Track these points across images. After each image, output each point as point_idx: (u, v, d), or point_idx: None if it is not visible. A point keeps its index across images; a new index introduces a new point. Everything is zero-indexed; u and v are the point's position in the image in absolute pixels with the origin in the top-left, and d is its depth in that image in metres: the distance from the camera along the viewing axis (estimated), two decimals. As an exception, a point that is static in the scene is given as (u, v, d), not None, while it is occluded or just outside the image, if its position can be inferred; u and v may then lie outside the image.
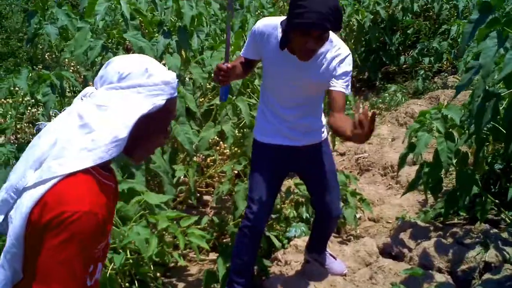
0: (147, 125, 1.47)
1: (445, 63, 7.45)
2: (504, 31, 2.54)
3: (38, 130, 1.51)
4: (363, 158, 5.48)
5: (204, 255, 3.85)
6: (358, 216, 4.30)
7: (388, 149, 5.44)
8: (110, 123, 1.39)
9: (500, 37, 2.55)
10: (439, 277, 3.16)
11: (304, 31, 2.39)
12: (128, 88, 1.42)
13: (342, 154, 5.80)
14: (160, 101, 1.46)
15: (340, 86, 2.66)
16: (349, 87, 2.70)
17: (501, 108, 3.03)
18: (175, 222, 3.04)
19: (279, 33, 2.66)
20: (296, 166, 3.05)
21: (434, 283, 3.00)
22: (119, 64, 1.45)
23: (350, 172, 5.08)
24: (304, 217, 3.99)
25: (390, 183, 4.92)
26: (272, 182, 2.95)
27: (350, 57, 2.68)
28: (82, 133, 1.38)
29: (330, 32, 2.51)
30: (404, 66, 7.98)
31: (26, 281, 1.37)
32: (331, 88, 2.66)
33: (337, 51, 2.64)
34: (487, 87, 2.70)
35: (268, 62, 2.77)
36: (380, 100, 7.02)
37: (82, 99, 1.46)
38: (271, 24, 2.70)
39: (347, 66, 2.66)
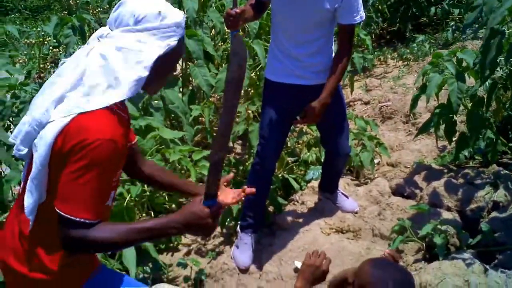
0: (162, 64, 1.59)
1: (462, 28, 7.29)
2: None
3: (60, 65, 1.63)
4: (386, 106, 5.49)
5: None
6: (376, 161, 4.36)
7: (412, 96, 5.43)
8: (132, 64, 1.52)
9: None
10: (447, 215, 3.24)
11: None
12: (144, 31, 1.54)
13: (367, 103, 5.81)
14: (173, 42, 1.58)
15: (346, 17, 2.75)
16: (358, 15, 2.78)
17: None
18: (188, 157, 3.16)
19: None
20: (307, 105, 3.12)
21: (439, 220, 3.06)
22: (133, 7, 1.55)
23: (373, 120, 5.11)
24: (323, 160, 4.07)
25: (411, 129, 4.94)
26: (282, 121, 3.03)
27: None
28: (106, 73, 1.51)
29: None
30: (435, 17, 7.84)
31: (49, 201, 1.51)
32: (339, 22, 2.79)
33: None
34: (493, 26, 2.70)
35: None
36: (408, 51, 6.95)
37: (99, 40, 1.57)
38: None
39: None
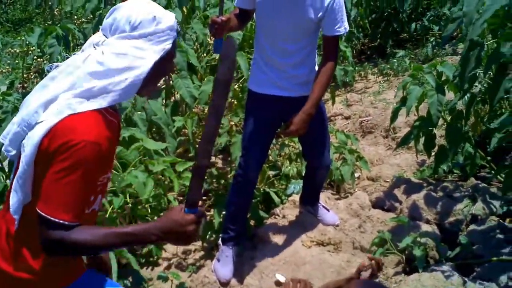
0: (157, 67, 1.63)
1: (441, 39, 7.41)
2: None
3: (49, 71, 1.65)
4: (367, 121, 5.54)
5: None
6: (357, 175, 4.40)
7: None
8: (128, 69, 1.56)
9: (482, -13, 2.61)
10: (426, 227, 3.28)
11: None
12: (141, 38, 1.58)
13: (347, 118, 5.86)
14: (168, 45, 1.63)
15: (329, 29, 2.81)
16: (342, 26, 2.83)
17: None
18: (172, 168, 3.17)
19: None
20: (290, 117, 3.15)
21: (419, 233, 3.10)
22: (128, 13, 1.58)
23: (354, 134, 5.15)
24: (304, 174, 4.09)
25: (390, 144, 4.99)
26: (265, 132, 3.06)
27: None
28: (102, 78, 1.54)
29: None
30: (415, 33, 7.95)
31: (33, 202, 1.52)
32: (323, 33, 2.83)
33: None
34: (472, 38, 2.76)
35: (261, 7, 2.84)
36: (388, 66, 7.04)
37: (95, 47, 1.59)
38: None
39: (338, 5, 2.77)
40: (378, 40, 8.03)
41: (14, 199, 1.56)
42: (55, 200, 1.46)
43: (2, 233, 1.65)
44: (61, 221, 1.45)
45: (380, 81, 6.86)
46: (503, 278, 2.75)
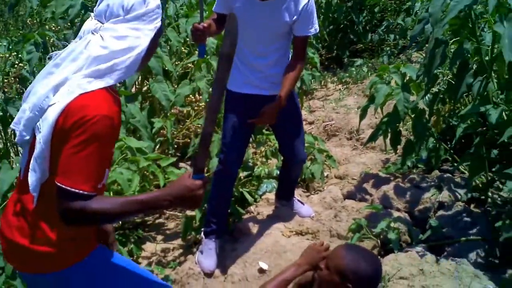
0: (151, 44, 1.78)
1: (409, 39, 7.75)
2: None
3: (50, 58, 1.79)
4: (331, 125, 5.76)
5: (182, 213, 4.07)
6: (325, 174, 4.58)
7: (354, 115, 5.72)
8: (129, 49, 1.70)
9: (446, -12, 2.85)
10: (397, 214, 3.47)
11: None
12: (134, 20, 1.72)
13: (311, 123, 6.06)
14: (158, 23, 1.79)
15: (301, 30, 2.99)
16: (312, 28, 3.02)
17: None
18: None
19: None
20: None
21: (392, 219, 3.30)
22: None
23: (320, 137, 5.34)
24: (274, 174, 4.25)
25: (355, 144, 5.21)
26: (243, 129, 3.20)
27: (312, 2, 2.96)
28: (107, 59, 1.68)
29: None
30: (371, 44, 8.27)
31: (50, 179, 1.63)
32: (295, 33, 3.01)
33: None
34: (437, 37, 2.99)
35: (238, 12, 2.99)
36: (347, 75, 7.31)
37: (93, 34, 1.72)
38: None
39: (310, 9, 2.95)
40: (335, 51, 8.29)
41: (32, 178, 1.65)
42: (75, 172, 1.56)
43: (19, 213, 1.75)
44: (81, 191, 1.56)
45: (340, 89, 7.10)
46: (472, 255, 2.97)
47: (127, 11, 1.71)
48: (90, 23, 1.76)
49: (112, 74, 1.68)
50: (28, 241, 1.72)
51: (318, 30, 3.07)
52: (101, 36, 1.70)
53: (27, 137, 1.72)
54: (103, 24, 1.72)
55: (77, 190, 1.56)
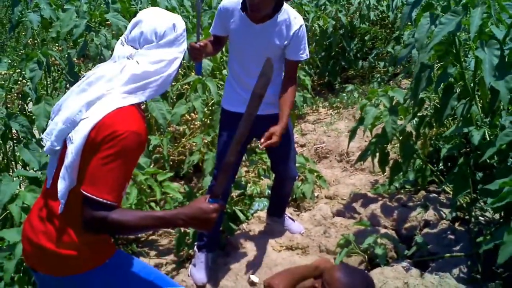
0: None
1: (399, 67, 7.97)
2: (435, 13, 3.02)
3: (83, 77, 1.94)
4: (322, 147, 5.90)
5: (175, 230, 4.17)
6: (316, 194, 4.71)
7: (344, 139, 5.86)
8: (162, 72, 1.87)
9: (431, 16, 3.02)
10: (384, 231, 3.59)
11: None
12: (166, 45, 1.90)
13: (303, 146, 6.20)
14: (185, 45, 1.97)
15: (293, 54, 3.13)
16: (304, 53, 3.16)
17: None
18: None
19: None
20: (257, 133, 3.41)
21: (379, 235, 3.43)
22: (153, 25, 1.89)
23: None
24: (266, 193, 4.38)
25: (345, 166, 5.35)
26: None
27: (303, 26, 3.12)
28: (141, 79, 1.84)
29: (285, 4, 3.04)
30: (362, 70, 8.47)
31: (78, 187, 1.75)
32: (286, 57, 3.15)
33: (292, 20, 3.07)
34: (423, 61, 3.16)
35: (234, 34, 3.17)
36: (338, 100, 7.49)
37: (129, 59, 1.88)
38: (234, 0, 3.12)
39: (302, 34, 3.10)
40: (327, 77, 8.47)
41: (62, 185, 1.77)
42: (101, 182, 1.68)
43: (44, 218, 1.87)
44: (104, 201, 1.68)
45: (331, 113, 7.26)
46: (455, 271, 3.08)
47: (160, 38, 1.88)
48: (124, 49, 1.91)
49: (144, 91, 1.84)
50: (55, 245, 1.82)
51: (308, 56, 3.23)
52: (137, 61, 1.85)
53: (58, 147, 1.84)
54: (137, 50, 1.88)
55: (101, 199, 1.68)
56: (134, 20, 1.93)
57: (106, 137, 1.70)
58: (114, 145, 1.69)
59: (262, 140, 3.02)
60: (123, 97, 1.79)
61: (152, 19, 1.89)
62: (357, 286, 2.15)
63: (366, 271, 2.35)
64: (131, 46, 1.90)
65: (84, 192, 1.68)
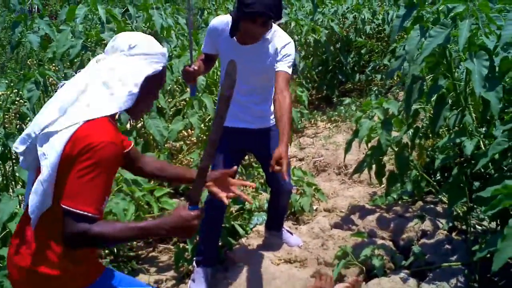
0: (148, 84, 1.91)
1: (395, 79, 8.02)
2: (426, 25, 3.06)
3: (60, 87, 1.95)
4: (320, 161, 5.93)
5: (174, 246, 4.19)
6: (314, 207, 4.73)
7: (342, 152, 5.83)
8: (125, 81, 1.85)
9: (422, 29, 3.06)
10: (382, 242, 3.61)
11: (252, 19, 2.88)
12: (136, 55, 1.89)
13: (301, 159, 6.24)
14: (159, 67, 1.93)
15: (282, 66, 3.13)
16: (291, 68, 3.15)
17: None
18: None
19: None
20: (251, 147, 3.49)
21: (376, 246, 3.45)
22: (128, 37, 1.92)
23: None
24: (265, 207, 4.40)
25: (344, 179, 5.38)
26: (232, 158, 3.36)
27: (292, 43, 3.16)
28: (105, 88, 1.84)
29: (274, 25, 3.06)
30: (359, 84, 8.53)
31: (56, 203, 1.74)
32: (276, 69, 3.14)
33: (279, 39, 3.13)
34: (414, 73, 3.20)
35: (224, 53, 3.22)
36: (336, 113, 7.53)
37: (97, 62, 1.91)
38: (224, 20, 3.18)
39: (289, 50, 3.13)
40: (325, 90, 8.52)
41: (33, 201, 1.77)
42: (80, 194, 1.67)
43: (26, 239, 1.86)
44: (85, 213, 1.67)
45: (329, 127, 7.30)
46: (452, 280, 3.10)
47: (130, 48, 1.88)
48: (98, 56, 1.95)
49: (109, 103, 1.82)
50: (34, 265, 1.82)
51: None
52: (102, 66, 1.87)
53: (20, 150, 1.85)
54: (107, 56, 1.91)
55: (82, 212, 1.67)
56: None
57: (82, 149, 1.69)
58: (90, 157, 1.69)
59: (272, 164, 2.92)
60: (90, 110, 1.79)
61: (130, 34, 1.94)
62: None
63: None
64: (105, 55, 1.94)
65: (64, 206, 1.68)
